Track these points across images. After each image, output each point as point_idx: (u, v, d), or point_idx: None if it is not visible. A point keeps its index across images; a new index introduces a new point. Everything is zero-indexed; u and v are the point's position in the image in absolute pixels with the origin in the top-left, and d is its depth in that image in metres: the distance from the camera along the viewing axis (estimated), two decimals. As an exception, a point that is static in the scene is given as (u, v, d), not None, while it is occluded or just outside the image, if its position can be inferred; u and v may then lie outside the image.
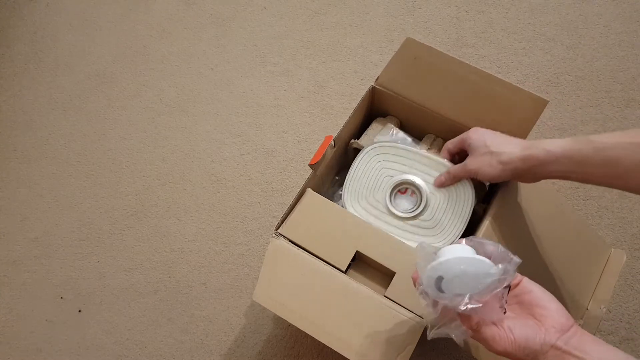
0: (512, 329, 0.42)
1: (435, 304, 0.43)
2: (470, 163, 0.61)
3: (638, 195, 0.92)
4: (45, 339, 0.96)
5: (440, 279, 0.42)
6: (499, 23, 1.13)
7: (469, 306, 0.40)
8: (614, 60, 1.06)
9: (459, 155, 0.67)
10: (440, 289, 0.42)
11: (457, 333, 0.43)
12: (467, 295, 0.41)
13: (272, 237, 0.63)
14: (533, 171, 0.54)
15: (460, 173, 0.63)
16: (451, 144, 0.65)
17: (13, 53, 1.28)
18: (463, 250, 0.43)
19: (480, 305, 0.41)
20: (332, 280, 0.61)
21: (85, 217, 1.06)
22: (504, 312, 0.42)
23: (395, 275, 0.61)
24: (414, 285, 0.46)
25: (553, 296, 0.44)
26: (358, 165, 0.70)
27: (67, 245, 1.04)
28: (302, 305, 0.60)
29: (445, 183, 0.66)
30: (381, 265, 0.62)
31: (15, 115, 1.19)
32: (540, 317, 0.42)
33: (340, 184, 0.77)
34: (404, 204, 0.69)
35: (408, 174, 0.68)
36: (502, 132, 0.61)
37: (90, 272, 1.01)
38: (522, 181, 0.61)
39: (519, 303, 0.44)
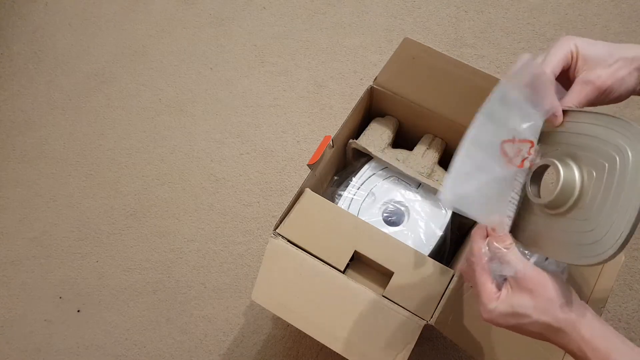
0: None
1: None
2: (599, 77, 0.42)
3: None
4: (44, 338, 0.96)
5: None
6: (498, 23, 1.13)
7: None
8: (613, 61, 1.06)
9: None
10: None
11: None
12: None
13: (271, 237, 0.64)
14: None
15: (589, 97, 0.43)
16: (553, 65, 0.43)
17: (12, 53, 1.28)
18: None
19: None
20: (331, 280, 0.61)
21: (84, 217, 1.06)
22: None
23: (394, 275, 0.61)
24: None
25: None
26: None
27: (66, 245, 1.04)
28: (300, 305, 0.61)
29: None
30: (379, 265, 0.62)
31: (14, 115, 1.19)
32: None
33: (339, 183, 0.77)
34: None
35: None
36: None
37: (89, 272, 1.01)
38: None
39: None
